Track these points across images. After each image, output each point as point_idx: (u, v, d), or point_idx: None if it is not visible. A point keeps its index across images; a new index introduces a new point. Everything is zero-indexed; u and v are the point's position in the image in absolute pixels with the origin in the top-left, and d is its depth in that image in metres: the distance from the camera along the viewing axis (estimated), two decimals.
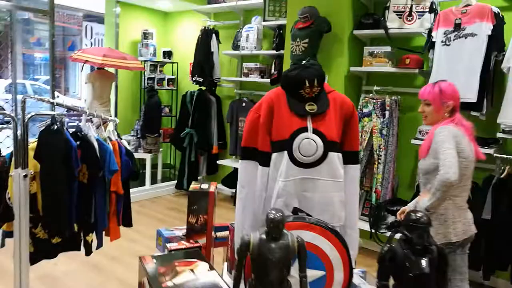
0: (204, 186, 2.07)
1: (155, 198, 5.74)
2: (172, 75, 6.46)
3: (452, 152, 2.19)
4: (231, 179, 5.65)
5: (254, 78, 5.26)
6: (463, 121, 2.40)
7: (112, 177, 2.38)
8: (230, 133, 5.65)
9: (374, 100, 3.87)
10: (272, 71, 5.12)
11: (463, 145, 2.28)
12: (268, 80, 5.08)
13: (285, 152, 1.88)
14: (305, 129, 1.87)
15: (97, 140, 2.35)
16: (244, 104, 5.45)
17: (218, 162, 5.73)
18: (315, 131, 1.87)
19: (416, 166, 4.01)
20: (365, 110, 3.92)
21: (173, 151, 6.58)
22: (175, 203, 5.57)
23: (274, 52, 4.99)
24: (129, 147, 2.59)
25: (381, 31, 3.88)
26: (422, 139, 3.70)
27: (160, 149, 6.14)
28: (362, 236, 4.32)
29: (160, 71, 6.27)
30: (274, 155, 1.91)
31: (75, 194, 2.28)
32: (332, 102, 1.95)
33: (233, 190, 5.60)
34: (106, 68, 5.39)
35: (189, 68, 6.34)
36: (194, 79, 5.60)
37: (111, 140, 2.48)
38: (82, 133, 2.36)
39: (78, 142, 2.31)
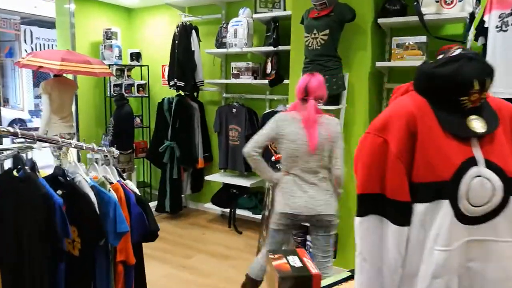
0: (293, 260, 1.25)
1: None
2: (142, 80, 5.47)
3: (261, 132, 2.63)
4: (220, 197, 4.79)
5: (246, 79, 4.43)
6: (311, 111, 2.55)
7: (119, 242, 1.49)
8: (219, 144, 4.77)
9: None
10: (268, 71, 4.32)
11: (288, 130, 2.55)
12: (263, 82, 4.28)
13: (445, 202, 1.10)
14: (472, 161, 1.11)
15: (93, 187, 1.44)
16: (234, 110, 4.60)
17: (205, 178, 4.84)
18: (488, 164, 1.11)
19: None
20: None
21: (147, 166, 5.60)
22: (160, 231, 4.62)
23: (270, 48, 4.19)
24: (137, 190, 1.69)
25: (410, 18, 3.20)
26: None
27: (134, 167, 5.15)
28: None
29: (128, 76, 5.26)
30: (420, 207, 1.13)
31: (61, 278, 1.37)
32: (498, 113, 1.20)
33: (223, 209, 4.74)
34: (65, 75, 4.34)
35: (162, 71, 5.40)
36: (172, 83, 4.67)
37: (110, 183, 1.57)
38: (67, 176, 1.45)
39: (60, 192, 1.40)
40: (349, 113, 3.41)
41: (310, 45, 3.24)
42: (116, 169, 1.66)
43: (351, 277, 1.88)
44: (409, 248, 1.15)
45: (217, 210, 4.94)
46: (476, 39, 3.03)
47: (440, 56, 1.25)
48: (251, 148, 2.61)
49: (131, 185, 1.66)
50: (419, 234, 1.14)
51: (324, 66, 3.20)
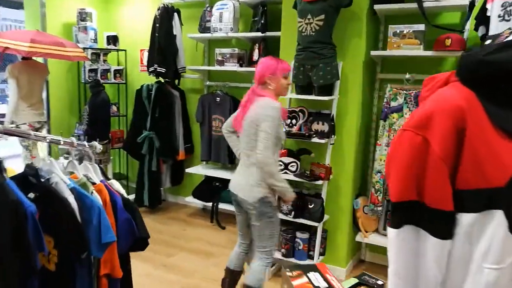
0: (315, 277, 1.07)
1: None
2: (119, 65, 5.15)
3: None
4: (202, 190, 4.57)
5: (231, 66, 4.20)
6: (248, 93, 2.54)
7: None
8: (201, 134, 4.54)
9: (405, 92, 3.05)
10: (255, 58, 4.10)
11: None
12: (249, 69, 4.06)
13: (498, 213, 0.94)
14: None
15: (73, 189, 1.22)
16: (218, 99, 4.38)
17: (186, 170, 4.61)
18: None
19: None
20: (393, 104, 3.08)
21: (124, 157, 5.31)
22: None
23: (258, 34, 3.97)
24: (124, 192, 1.47)
25: (408, 5, 3.05)
26: None
27: (110, 158, 4.86)
28: None
29: (104, 60, 4.93)
30: (467, 218, 0.97)
31: None
32: None
33: (205, 203, 4.53)
34: (35, 58, 4.00)
35: (140, 57, 5.10)
36: (152, 69, 4.39)
37: (93, 183, 1.35)
38: (40, 176, 1.22)
39: (32, 195, 1.17)
40: (341, 104, 3.24)
41: (303, 30, 3.05)
42: (99, 167, 1.43)
43: (359, 284, 1.75)
44: (451, 264, 1.00)
45: (198, 204, 4.72)
46: (476, 29, 2.90)
47: (488, 42, 1.08)
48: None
49: (117, 185, 1.44)
50: (463, 248, 0.98)
51: (318, 54, 3.02)
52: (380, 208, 3.18)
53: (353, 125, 3.24)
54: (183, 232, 4.21)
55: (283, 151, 3.28)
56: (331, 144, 3.19)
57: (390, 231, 1.05)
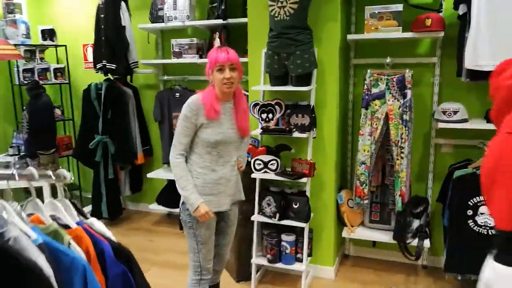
0: None
1: None
2: (59, 63, 4.57)
3: None
4: (166, 196, 4.18)
5: (191, 58, 3.82)
6: None
7: None
8: (161, 134, 4.13)
9: (387, 77, 2.85)
10: (215, 46, 3.74)
11: None
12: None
13: None
14: None
15: (43, 245, 0.85)
16: (178, 95, 3.98)
17: (147, 175, 4.18)
18: None
19: (427, 153, 3.27)
20: (374, 90, 2.88)
21: (74, 165, 4.76)
22: None
23: (218, 22, 3.62)
24: (111, 234, 1.11)
25: None
26: (447, 121, 2.84)
27: (60, 168, 4.30)
28: (382, 247, 3.41)
29: (41, 58, 4.34)
30: None
31: None
32: None
33: (170, 210, 4.15)
34: None
35: (83, 52, 4.56)
36: (100, 66, 3.90)
37: (65, 226, 0.98)
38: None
39: None
40: (319, 93, 3.00)
41: (276, 15, 2.75)
42: (72, 202, 1.06)
43: None
44: None
45: (163, 209, 4.32)
46: (456, 8, 2.76)
47: None
48: None
49: (99, 225, 1.07)
50: None
51: (294, 40, 2.74)
52: (366, 201, 2.99)
53: (333, 115, 3.01)
54: (150, 243, 3.81)
55: (261, 148, 2.99)
56: (313, 137, 2.94)
57: (501, 268, 0.79)
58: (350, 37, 2.96)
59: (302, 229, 2.94)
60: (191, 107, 2.08)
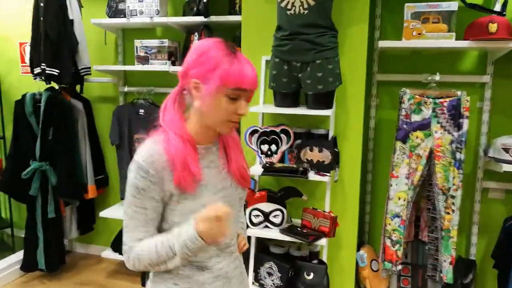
0: None
1: None
2: None
3: None
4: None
5: (160, 65, 2.81)
6: None
7: None
8: (119, 161, 3.06)
9: (434, 101, 1.99)
10: None
11: None
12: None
13: None
14: None
15: None
16: (142, 112, 2.94)
17: (100, 214, 3.08)
18: None
19: (471, 199, 2.37)
20: (415, 118, 2.01)
21: (6, 196, 3.58)
22: None
23: (197, 19, 2.64)
24: None
25: None
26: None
27: None
28: None
29: None
30: None
31: None
32: None
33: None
34: None
35: (20, 53, 3.43)
36: (38, 71, 2.81)
37: None
38: None
39: None
40: (340, 121, 2.10)
41: (289, 7, 1.81)
42: None
43: None
44: None
45: (120, 257, 3.23)
46: None
47: None
48: None
49: None
50: None
51: (315, 44, 1.82)
52: (400, 267, 2.10)
53: (356, 149, 2.11)
54: None
55: (260, 193, 2.03)
56: (335, 181, 2.03)
57: None
58: (383, 44, 2.07)
59: None
60: (146, 169, 0.98)
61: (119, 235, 3.13)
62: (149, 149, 0.98)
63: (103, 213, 3.02)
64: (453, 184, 1.96)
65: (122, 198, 3.06)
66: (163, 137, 1.00)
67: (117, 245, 3.10)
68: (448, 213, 1.97)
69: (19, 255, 3.10)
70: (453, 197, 1.96)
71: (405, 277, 2.28)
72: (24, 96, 2.92)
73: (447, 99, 1.96)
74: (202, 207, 0.99)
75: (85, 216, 3.26)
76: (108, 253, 3.09)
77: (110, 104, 3.22)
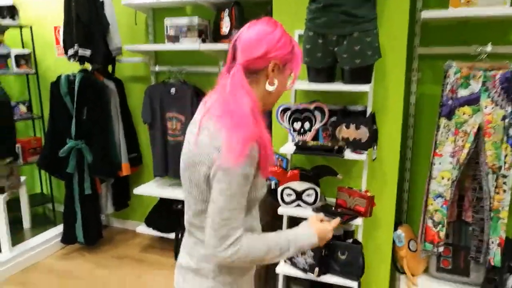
0: None
1: (28, 268, 2.92)
2: (24, 48, 3.45)
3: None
4: (158, 216, 3.14)
5: (190, 43, 2.75)
6: (217, 94, 1.07)
7: None
8: (152, 140, 3.06)
9: (484, 73, 1.84)
10: (224, 30, 2.67)
11: None
12: (217, 47, 2.66)
13: None
14: None
15: None
16: (173, 91, 2.91)
17: (134, 191, 3.11)
18: None
19: None
20: (462, 93, 1.86)
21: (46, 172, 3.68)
22: (71, 274, 2.85)
23: None
24: None
25: None
26: None
27: (22, 179, 3.22)
28: None
29: None
30: None
31: None
32: None
33: (163, 235, 3.09)
34: None
35: (55, 35, 3.45)
36: (72, 53, 2.81)
37: None
38: None
39: None
40: (378, 96, 1.98)
41: None
42: None
43: None
44: None
45: (155, 234, 3.26)
46: None
47: None
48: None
49: None
50: None
51: (352, 16, 1.70)
52: (442, 249, 2.00)
53: (396, 127, 1.99)
54: (137, 281, 2.78)
55: (292, 172, 1.97)
56: (373, 159, 1.93)
57: None
58: (426, 14, 1.91)
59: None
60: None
61: (153, 211, 3.17)
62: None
63: (137, 190, 3.04)
64: (505, 163, 1.82)
65: (156, 176, 3.08)
66: (248, 121, 0.96)
67: (150, 221, 3.13)
68: (498, 193, 1.84)
69: (59, 228, 3.19)
70: (504, 176, 1.82)
71: (445, 258, 2.17)
72: (59, 77, 2.95)
73: (499, 71, 1.80)
74: (265, 182, 1.09)
75: (120, 193, 3.32)
76: (143, 229, 3.13)
77: (142, 84, 3.21)
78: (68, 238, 3.08)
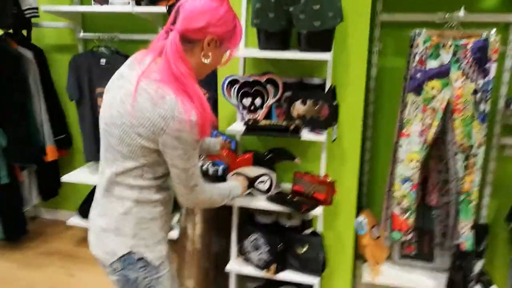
0: None
1: None
2: None
3: None
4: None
5: (122, 5, 2.30)
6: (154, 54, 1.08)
7: None
8: (80, 120, 2.61)
9: (455, 43, 1.60)
10: None
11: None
12: (154, 9, 2.24)
13: None
14: None
15: None
16: (103, 62, 2.46)
17: (62, 179, 2.67)
18: None
19: (486, 157, 1.99)
20: (431, 64, 1.63)
21: None
22: None
23: None
24: None
25: None
26: None
27: None
28: None
29: None
30: None
31: None
32: None
33: None
34: None
35: None
36: None
37: None
38: None
39: None
40: (338, 67, 1.71)
41: None
42: None
43: None
44: None
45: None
46: None
47: None
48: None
49: None
50: None
51: None
52: (410, 236, 1.80)
53: (357, 103, 1.73)
54: (70, 280, 2.40)
55: (244, 155, 1.67)
56: (333, 140, 1.67)
57: None
58: None
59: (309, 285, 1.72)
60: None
61: (87, 200, 2.75)
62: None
63: (65, 178, 2.61)
64: (476, 141, 1.63)
65: (88, 160, 2.65)
66: (185, 91, 1.00)
67: (85, 211, 2.72)
68: (469, 174, 1.65)
69: None
70: (475, 155, 1.64)
71: (409, 243, 2.00)
72: None
73: (471, 40, 1.58)
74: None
75: (47, 180, 2.86)
76: (76, 220, 2.71)
77: (67, 53, 2.71)
78: None
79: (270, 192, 1.66)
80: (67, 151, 2.86)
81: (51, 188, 2.90)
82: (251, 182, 1.63)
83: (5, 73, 2.43)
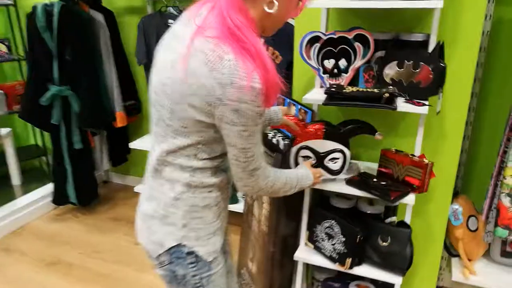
0: None
1: (15, 232, 2.56)
2: None
3: None
4: None
5: None
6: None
7: None
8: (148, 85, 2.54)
9: None
10: None
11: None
12: None
13: None
14: None
15: None
16: (172, 23, 2.33)
17: (131, 145, 2.63)
18: None
19: None
20: None
21: None
22: (60, 238, 2.47)
23: None
24: None
25: None
26: None
27: (6, 130, 2.79)
28: None
29: None
30: None
31: None
32: None
33: None
34: None
35: None
36: None
37: None
38: None
39: None
40: (447, 20, 1.36)
41: None
42: None
43: None
44: None
45: None
46: None
47: None
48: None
49: None
50: None
51: None
52: None
53: (468, 66, 1.38)
54: (134, 250, 2.38)
55: (316, 126, 1.41)
56: (437, 113, 1.35)
57: None
58: None
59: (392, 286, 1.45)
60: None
61: None
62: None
63: (134, 144, 2.57)
64: None
65: None
66: (244, 48, 0.80)
67: None
68: None
69: (48, 189, 2.80)
70: None
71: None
72: (34, 8, 2.38)
73: None
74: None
75: (117, 146, 2.85)
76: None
77: (137, 15, 2.62)
78: (58, 198, 2.68)
79: (342, 172, 1.39)
80: (135, 118, 2.82)
81: (120, 154, 2.90)
82: (320, 158, 1.37)
83: (76, 37, 2.39)
